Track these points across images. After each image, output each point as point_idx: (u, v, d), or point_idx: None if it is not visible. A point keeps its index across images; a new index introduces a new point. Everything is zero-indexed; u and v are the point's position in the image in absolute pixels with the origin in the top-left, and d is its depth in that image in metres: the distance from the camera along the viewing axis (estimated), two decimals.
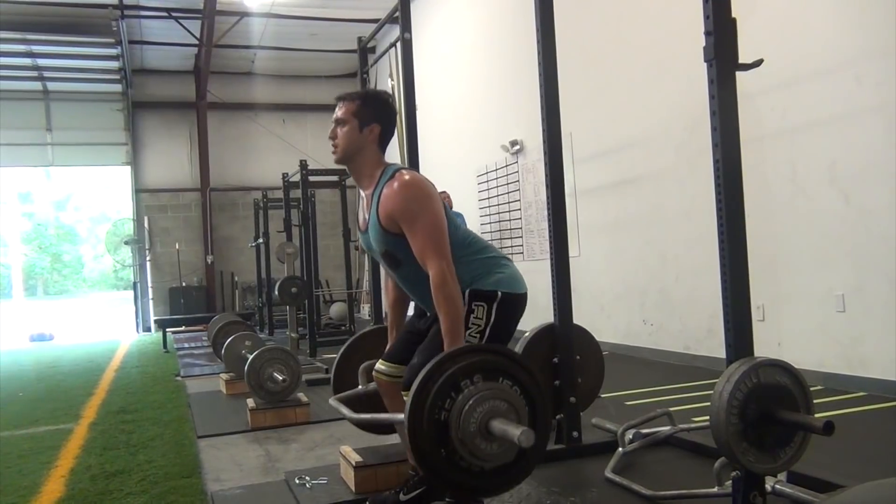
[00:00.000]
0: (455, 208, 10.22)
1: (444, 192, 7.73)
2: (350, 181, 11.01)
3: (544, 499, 2.73)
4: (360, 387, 2.83)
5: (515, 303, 2.49)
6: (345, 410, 2.55)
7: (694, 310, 5.82)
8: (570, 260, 3.40)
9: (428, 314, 2.55)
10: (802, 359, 4.56)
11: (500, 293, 2.44)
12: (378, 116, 2.52)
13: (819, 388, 4.44)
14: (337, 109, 2.54)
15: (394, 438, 3.82)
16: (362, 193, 2.56)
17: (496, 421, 1.87)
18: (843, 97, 4.45)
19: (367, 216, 2.52)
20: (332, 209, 13.10)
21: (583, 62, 6.73)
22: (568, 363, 3.27)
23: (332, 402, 2.73)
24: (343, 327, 10.61)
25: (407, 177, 2.41)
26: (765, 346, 4.72)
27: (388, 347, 2.73)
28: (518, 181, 8.54)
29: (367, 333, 3.07)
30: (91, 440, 4.33)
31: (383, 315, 3.46)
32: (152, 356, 9.17)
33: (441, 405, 1.89)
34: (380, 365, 2.64)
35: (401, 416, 1.98)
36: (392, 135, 2.60)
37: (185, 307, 13.51)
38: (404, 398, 2.36)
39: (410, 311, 2.79)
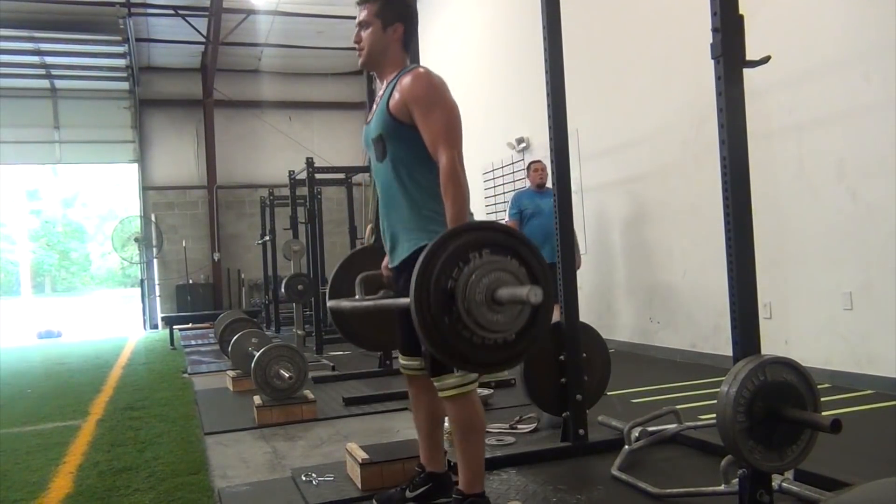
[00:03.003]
0: None
1: (539, 162, 6.72)
2: (356, 179, 11.05)
3: (550, 496, 2.73)
4: (356, 296, 2.80)
5: None
6: (344, 303, 2.51)
7: (701, 307, 5.80)
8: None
9: (394, 264, 2.49)
10: (809, 357, 4.54)
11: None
12: (401, 15, 2.50)
13: (826, 386, 4.42)
14: (359, 13, 2.50)
15: (399, 436, 3.83)
16: (379, 87, 2.54)
17: (502, 289, 1.87)
18: (850, 94, 4.43)
19: (376, 106, 2.50)
20: (339, 207, 13.12)
21: (589, 59, 6.72)
22: (574, 361, 3.27)
23: (331, 303, 2.69)
24: None
25: (423, 70, 2.41)
26: (772, 343, 4.70)
27: (401, 340, 2.69)
28: (524, 178, 8.52)
29: (360, 250, 3.10)
30: (99, 437, 4.35)
31: None
32: (159, 353, 9.20)
33: (449, 274, 1.87)
34: (402, 360, 2.63)
35: (404, 299, 1.97)
36: (415, 34, 2.59)
37: (191, 304, 13.56)
38: (435, 384, 2.36)
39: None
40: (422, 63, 2.61)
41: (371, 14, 2.47)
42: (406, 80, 2.37)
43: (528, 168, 6.68)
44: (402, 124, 2.37)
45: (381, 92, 2.51)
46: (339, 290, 2.94)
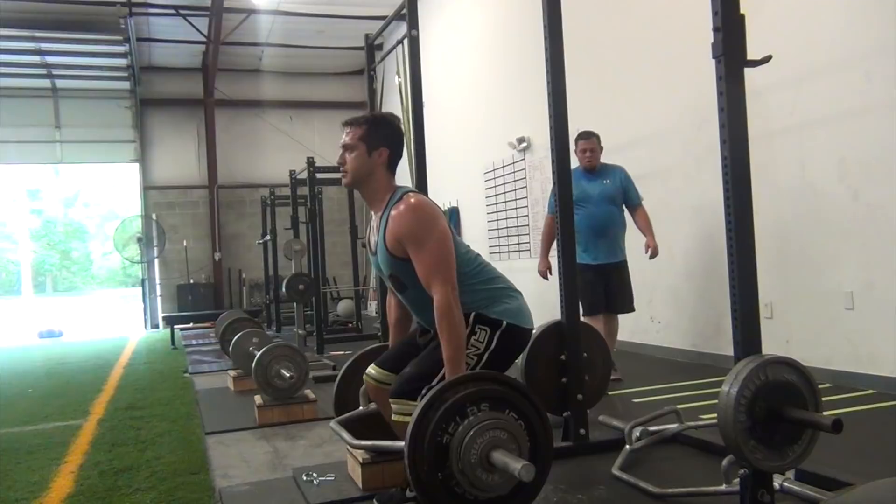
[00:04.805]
0: (461, 206, 10.23)
1: (587, 140, 5.10)
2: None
3: (551, 496, 2.72)
4: (360, 407, 2.83)
5: (519, 336, 2.48)
6: (345, 436, 2.55)
7: (702, 307, 5.80)
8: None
9: (431, 332, 2.54)
10: (811, 356, 4.54)
11: (505, 322, 2.43)
12: (386, 140, 2.51)
13: (827, 385, 4.42)
14: (344, 135, 2.53)
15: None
16: (373, 217, 2.56)
17: (497, 452, 1.86)
18: (852, 93, 4.43)
19: (376, 240, 2.52)
20: (340, 206, 13.11)
21: (590, 58, 6.71)
22: (575, 360, 3.27)
23: (333, 425, 2.73)
24: (350, 324, 10.64)
25: (413, 200, 2.40)
26: (773, 343, 4.68)
27: (383, 354, 2.73)
28: (525, 178, 8.53)
29: (368, 352, 3.05)
30: (100, 436, 4.36)
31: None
32: (160, 353, 9.21)
33: (445, 428, 1.88)
34: (371, 369, 2.64)
35: (401, 443, 1.98)
36: (400, 157, 2.58)
37: (192, 304, 13.56)
38: (392, 405, 2.37)
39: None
40: (424, 61, 2.60)
41: (356, 138, 2.49)
42: (394, 216, 2.38)
43: (576, 144, 5.04)
44: (406, 260, 2.38)
45: (376, 222, 2.53)
46: (344, 396, 2.98)
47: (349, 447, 2.59)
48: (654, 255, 5.04)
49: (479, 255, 2.60)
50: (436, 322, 2.29)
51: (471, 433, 1.86)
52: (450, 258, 2.35)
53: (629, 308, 5.17)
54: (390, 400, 2.39)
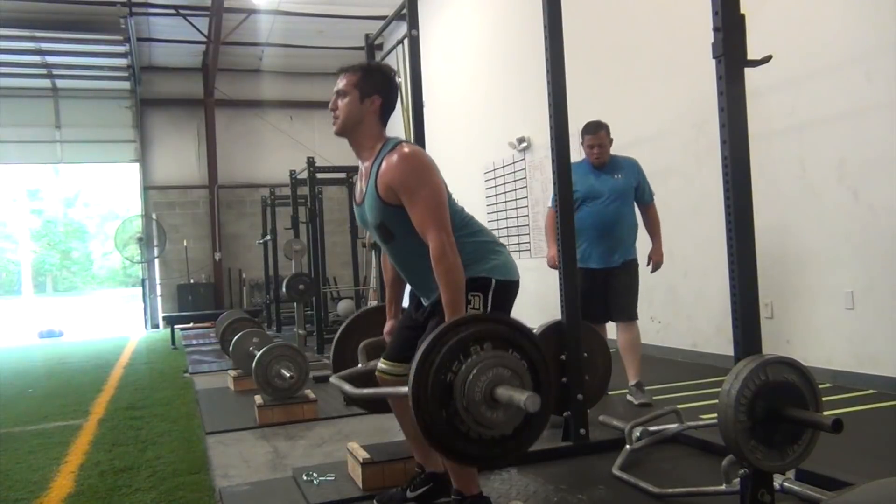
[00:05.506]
0: (462, 205, 10.22)
1: (595, 135, 4.47)
2: (358, 178, 11.06)
3: (552, 496, 2.73)
4: (360, 365, 2.82)
5: (509, 289, 2.50)
6: (346, 387, 2.54)
7: (702, 307, 5.80)
8: None
9: (424, 304, 2.54)
10: (811, 356, 4.55)
11: (494, 280, 2.44)
12: (379, 88, 2.49)
13: (828, 385, 4.42)
14: (338, 80, 2.51)
15: (400, 436, 3.83)
16: (361, 166, 2.55)
17: (501, 388, 1.87)
18: (852, 94, 4.43)
19: (364, 188, 2.50)
20: (340, 206, 13.12)
21: (591, 58, 6.72)
22: (576, 360, 3.27)
23: (333, 379, 2.72)
24: None
25: (407, 149, 2.39)
26: (773, 343, 4.70)
27: (387, 346, 2.72)
28: (525, 178, 8.53)
29: (366, 312, 3.08)
30: (100, 436, 4.36)
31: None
32: (161, 353, 9.21)
33: (448, 366, 1.88)
34: (382, 364, 2.63)
35: (404, 389, 1.98)
36: (393, 108, 2.57)
37: (193, 304, 13.57)
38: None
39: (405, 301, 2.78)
40: (424, 61, 2.60)
41: (350, 84, 2.47)
42: (388, 163, 2.36)
43: (581, 138, 4.46)
44: (398, 207, 2.36)
45: (364, 170, 2.50)
46: (342, 354, 2.97)
47: (349, 395, 2.55)
48: (656, 268, 4.70)
49: (463, 207, 2.59)
50: (433, 269, 2.28)
51: (475, 371, 1.87)
52: (444, 205, 2.35)
53: (626, 315, 4.51)
54: None
